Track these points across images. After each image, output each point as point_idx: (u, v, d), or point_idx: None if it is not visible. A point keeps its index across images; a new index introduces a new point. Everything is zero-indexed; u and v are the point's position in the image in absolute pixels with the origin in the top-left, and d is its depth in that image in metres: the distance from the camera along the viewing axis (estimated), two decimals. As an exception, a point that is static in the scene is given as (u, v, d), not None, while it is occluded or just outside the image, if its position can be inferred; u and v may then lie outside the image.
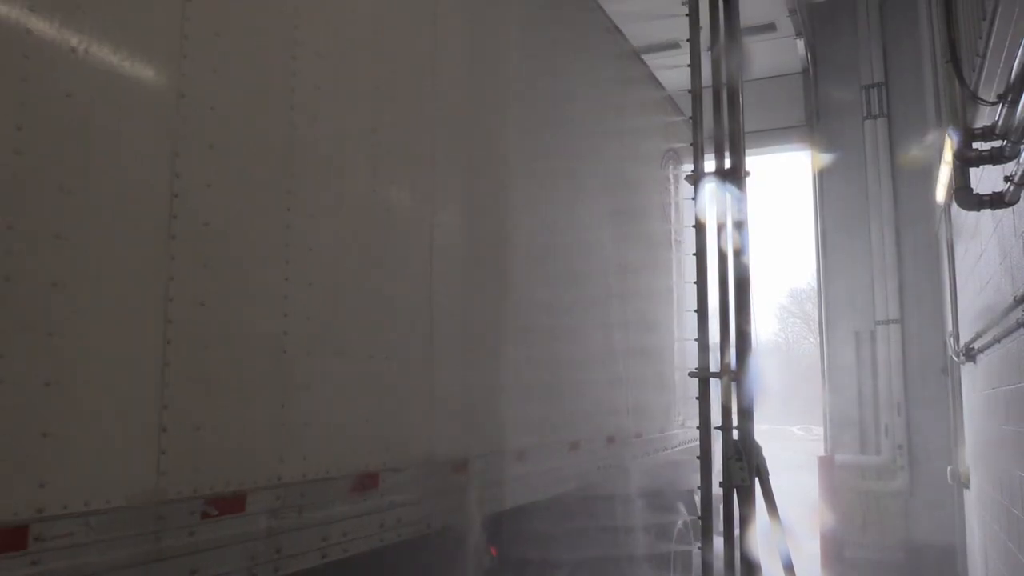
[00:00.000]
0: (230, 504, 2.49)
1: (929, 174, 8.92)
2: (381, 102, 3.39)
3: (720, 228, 4.09)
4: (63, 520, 2.00)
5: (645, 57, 7.93)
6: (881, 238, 9.99)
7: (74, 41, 2.15)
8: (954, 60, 3.66)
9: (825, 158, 10.52)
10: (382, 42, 3.43)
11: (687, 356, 6.42)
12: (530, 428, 4.43)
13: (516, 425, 4.22)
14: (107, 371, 2.18)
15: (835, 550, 9.56)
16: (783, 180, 51.67)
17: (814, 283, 12.61)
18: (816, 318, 11.11)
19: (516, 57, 4.64)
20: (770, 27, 10.08)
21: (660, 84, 7.85)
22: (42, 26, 2.07)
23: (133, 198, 2.31)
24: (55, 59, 2.10)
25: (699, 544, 3.93)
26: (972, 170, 3.98)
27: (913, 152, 9.39)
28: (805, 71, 10.76)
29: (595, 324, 5.56)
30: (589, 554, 4.90)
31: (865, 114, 10.27)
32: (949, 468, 8.29)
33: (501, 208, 4.42)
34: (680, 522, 6.55)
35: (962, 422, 7.86)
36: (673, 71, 9.29)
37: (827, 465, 9.86)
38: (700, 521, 3.97)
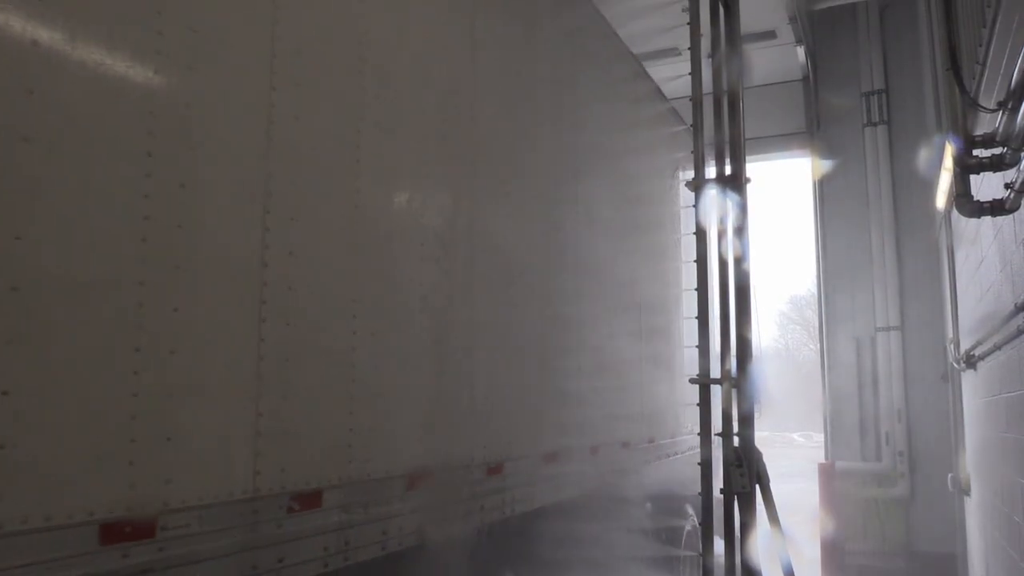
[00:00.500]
0: (309, 500, 2.82)
1: (929, 181, 8.93)
2: (430, 127, 3.78)
3: (721, 235, 4.10)
4: (183, 513, 2.34)
5: (645, 64, 7.97)
6: (881, 245, 10.00)
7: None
8: (954, 67, 3.67)
9: (825, 165, 10.54)
10: (430, 72, 3.78)
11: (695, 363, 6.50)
12: (559, 432, 4.79)
13: (547, 429, 4.64)
14: (219, 385, 2.52)
15: (835, 557, 9.54)
16: (783, 187, 51.71)
17: (814, 290, 12.62)
18: (816, 324, 11.11)
19: (544, 84, 5.04)
20: (770, 34, 10.10)
21: (665, 99, 7.96)
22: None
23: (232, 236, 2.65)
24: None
25: (700, 550, 3.93)
26: (972, 177, 3.99)
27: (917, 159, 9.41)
28: (805, 78, 10.78)
29: (611, 333, 5.82)
30: (606, 554, 5.15)
31: (865, 121, 10.29)
32: (950, 475, 8.28)
33: (535, 226, 4.81)
34: (689, 526, 6.60)
35: (963, 429, 7.86)
36: (673, 77, 9.36)
37: (827, 472, 9.85)
38: (701, 527, 3.97)
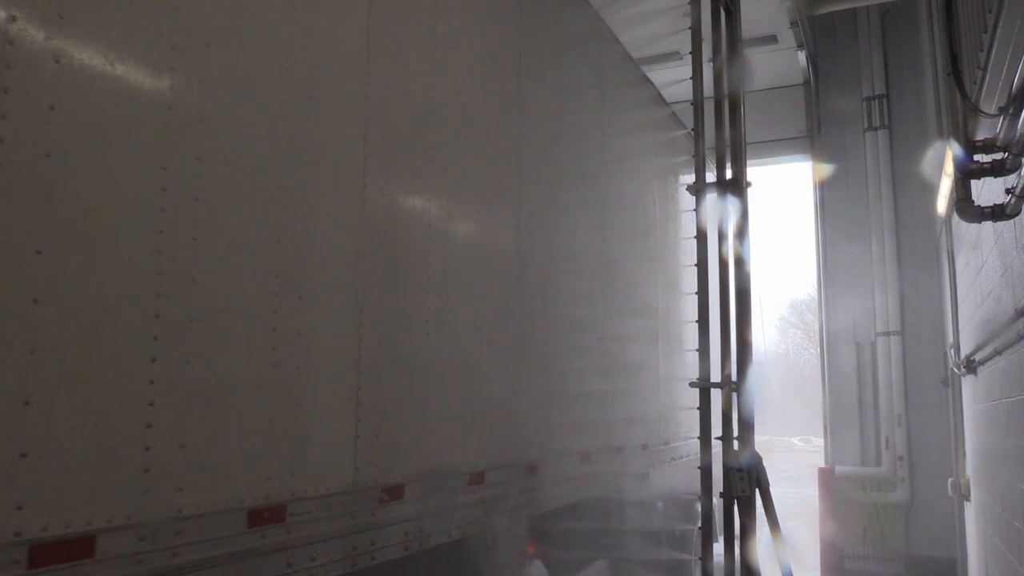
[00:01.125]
0: (395, 492, 3.27)
1: (930, 186, 8.94)
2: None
3: (722, 239, 4.10)
4: (305, 501, 2.79)
5: (646, 68, 8.00)
6: (882, 249, 10.00)
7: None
8: (956, 73, 3.67)
9: (826, 169, 10.54)
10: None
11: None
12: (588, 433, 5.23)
13: (577, 431, 5.08)
14: (330, 398, 3.01)
15: (835, 561, 9.54)
16: (784, 191, 51.73)
17: (814, 294, 12.62)
18: (816, 329, 11.11)
19: (576, 107, 5.54)
20: (771, 39, 10.11)
21: (666, 103, 8.03)
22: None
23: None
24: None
25: (699, 555, 3.93)
26: (973, 182, 3.99)
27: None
28: (806, 83, 10.79)
29: (631, 338, 6.25)
30: (622, 554, 5.74)
31: (866, 126, 10.30)
32: (950, 480, 8.28)
33: (572, 239, 5.29)
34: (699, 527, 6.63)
35: (963, 434, 7.85)
36: (674, 81, 9.36)
37: (827, 476, 9.85)
38: (700, 531, 3.96)
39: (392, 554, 3.19)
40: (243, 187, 2.68)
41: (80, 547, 2.03)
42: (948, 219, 7.74)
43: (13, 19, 2.00)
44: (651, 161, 7.59)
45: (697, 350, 4.11)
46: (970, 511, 7.49)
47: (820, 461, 10.67)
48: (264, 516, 2.60)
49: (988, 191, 4.39)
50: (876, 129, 10.20)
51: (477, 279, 4.06)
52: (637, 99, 7.35)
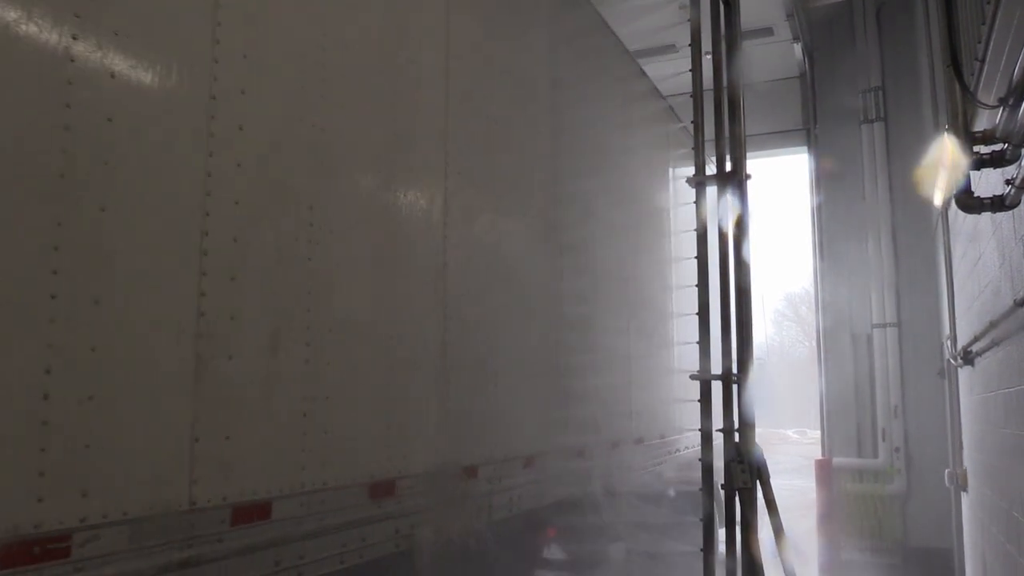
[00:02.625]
0: (472, 472, 3.86)
1: (926, 176, 8.94)
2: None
3: (722, 231, 4.10)
4: (408, 479, 3.34)
5: (642, 61, 8.00)
6: (878, 241, 10.02)
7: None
8: (955, 64, 3.68)
9: (823, 162, 10.55)
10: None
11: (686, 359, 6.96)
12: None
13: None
14: (424, 392, 3.53)
15: (832, 552, 9.57)
16: (779, 184, 51.76)
17: (809, 287, 12.65)
18: (811, 322, 11.14)
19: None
20: (768, 31, 10.10)
21: (662, 97, 8.08)
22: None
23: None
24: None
25: (702, 547, 3.94)
26: (972, 173, 4.00)
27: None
28: (803, 75, 10.80)
29: (642, 337, 6.63)
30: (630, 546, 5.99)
31: (863, 118, 10.30)
32: (947, 471, 8.31)
33: (585, 244, 5.63)
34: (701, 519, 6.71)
35: (959, 425, 7.88)
36: (670, 75, 9.35)
37: (824, 468, 9.88)
38: (702, 523, 3.97)
39: (465, 527, 3.76)
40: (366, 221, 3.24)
41: (261, 511, 2.60)
42: (945, 211, 7.75)
43: (75, 38, 2.08)
44: (647, 154, 7.60)
45: (697, 343, 4.11)
46: (967, 502, 7.52)
47: (815, 453, 10.70)
48: (380, 489, 3.17)
49: (986, 182, 4.40)
50: (872, 121, 10.21)
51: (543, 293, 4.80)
52: (633, 92, 7.36)
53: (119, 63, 2.21)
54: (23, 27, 1.99)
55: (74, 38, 2.08)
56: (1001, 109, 3.54)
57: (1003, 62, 3.94)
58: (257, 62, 2.71)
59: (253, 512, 2.58)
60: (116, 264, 2.18)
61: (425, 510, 3.40)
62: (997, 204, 3.77)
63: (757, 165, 12.05)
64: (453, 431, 3.69)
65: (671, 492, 6.58)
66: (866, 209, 10.13)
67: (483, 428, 4.01)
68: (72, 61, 2.08)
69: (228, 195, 2.55)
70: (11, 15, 1.96)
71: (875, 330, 9.95)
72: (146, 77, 2.29)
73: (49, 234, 2.00)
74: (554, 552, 4.97)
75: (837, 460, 9.92)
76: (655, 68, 9.00)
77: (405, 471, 3.32)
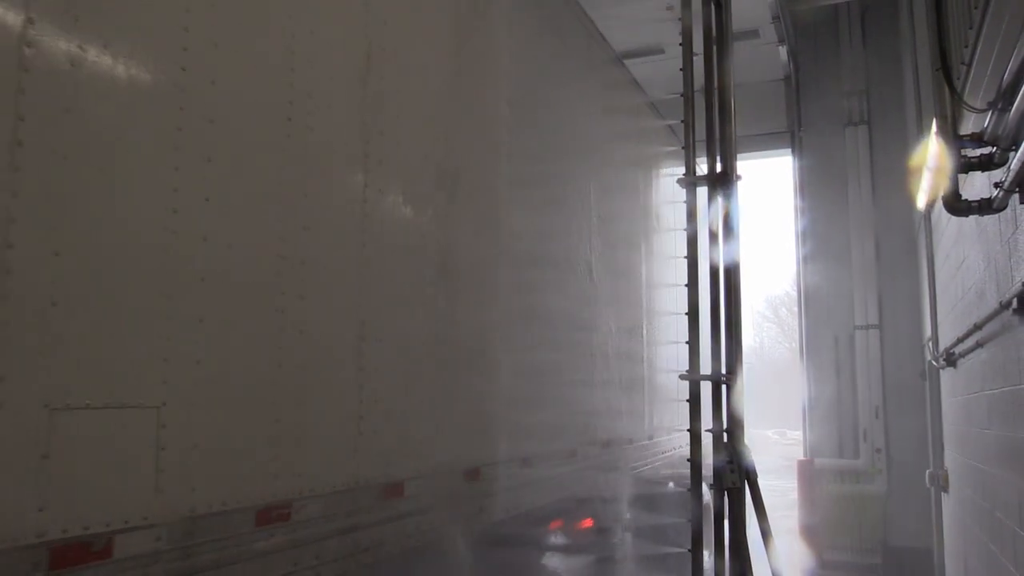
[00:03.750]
0: (527, 463, 4.60)
1: (908, 180, 9.03)
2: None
3: (712, 232, 4.10)
4: (490, 467, 4.09)
5: (628, 62, 8.04)
6: (861, 244, 10.10)
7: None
8: (944, 68, 3.70)
9: (807, 164, 10.62)
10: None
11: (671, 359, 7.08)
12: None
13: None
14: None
15: (814, 552, 9.64)
16: (760, 186, 52.11)
17: (789, 290, 12.73)
18: (791, 324, 11.23)
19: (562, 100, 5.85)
20: (753, 33, 10.15)
21: (645, 94, 8.18)
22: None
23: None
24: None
25: (690, 547, 3.94)
26: (959, 176, 4.03)
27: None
28: (788, 78, 10.86)
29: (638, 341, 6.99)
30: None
31: (846, 121, 10.39)
32: (927, 472, 8.38)
33: (583, 249, 5.93)
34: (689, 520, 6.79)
35: (940, 426, 7.95)
36: (655, 75, 9.39)
37: (806, 468, 9.95)
38: (691, 523, 3.97)
39: (522, 509, 4.41)
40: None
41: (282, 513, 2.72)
42: (927, 214, 7.82)
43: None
44: (631, 153, 7.63)
45: (687, 343, 4.12)
46: (948, 502, 7.59)
47: (795, 454, 10.78)
48: (467, 475, 3.86)
49: (971, 186, 4.44)
50: (856, 124, 10.30)
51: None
52: (621, 93, 7.39)
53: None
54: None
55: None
56: (990, 113, 3.57)
57: (991, 66, 3.97)
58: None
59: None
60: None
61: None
62: (985, 207, 3.80)
63: (742, 167, 12.07)
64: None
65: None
66: (849, 212, 10.21)
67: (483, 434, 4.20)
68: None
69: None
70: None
71: (857, 332, 10.03)
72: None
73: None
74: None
75: (819, 461, 9.99)
76: (642, 69, 9.02)
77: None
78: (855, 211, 10.18)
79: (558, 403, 5.40)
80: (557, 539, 5.36)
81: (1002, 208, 3.74)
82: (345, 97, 3.26)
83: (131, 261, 2.25)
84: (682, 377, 4.06)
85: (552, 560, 5.23)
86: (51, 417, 1.98)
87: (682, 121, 4.25)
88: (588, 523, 5.72)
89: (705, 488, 4.02)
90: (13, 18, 1.99)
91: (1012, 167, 3.33)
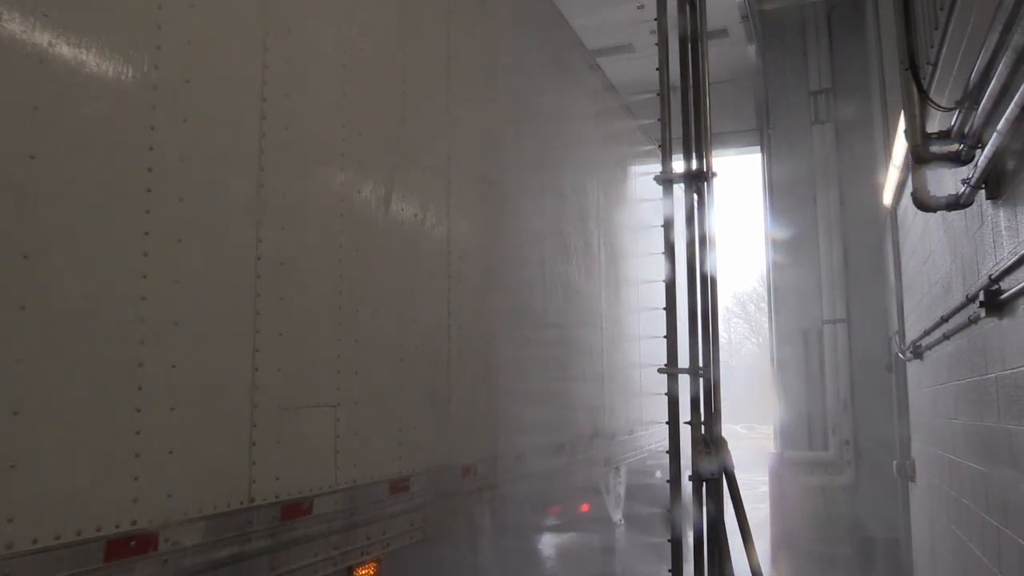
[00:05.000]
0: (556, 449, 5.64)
1: (875, 178, 9.20)
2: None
3: (689, 228, 4.18)
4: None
5: (599, 60, 8.14)
6: (828, 240, 10.28)
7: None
8: (912, 68, 3.80)
9: (775, 161, 10.78)
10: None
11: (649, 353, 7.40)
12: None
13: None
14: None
15: (784, 542, 9.80)
16: (729, 183, 52.61)
17: (757, 286, 12.90)
18: (759, 320, 11.40)
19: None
20: (723, 32, 10.29)
21: (619, 95, 8.34)
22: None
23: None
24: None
25: (669, 537, 4.01)
26: (927, 173, 4.14)
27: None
28: (756, 76, 11.00)
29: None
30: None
31: (813, 119, 10.55)
32: (895, 462, 8.56)
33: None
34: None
35: (907, 417, 8.12)
36: (627, 73, 9.48)
37: (777, 461, 10.11)
38: (669, 512, 4.04)
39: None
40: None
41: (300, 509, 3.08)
42: (894, 210, 7.98)
43: None
44: (602, 152, 7.73)
45: (665, 337, 4.18)
46: (916, 492, 7.76)
47: (764, 448, 10.93)
48: (461, 471, 4.28)
49: (938, 182, 4.56)
50: (823, 123, 10.47)
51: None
52: (594, 93, 7.49)
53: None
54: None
55: None
56: (957, 111, 3.68)
57: (957, 66, 4.09)
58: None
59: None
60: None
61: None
62: (952, 203, 3.92)
63: (714, 165, 12.21)
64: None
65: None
66: (817, 208, 10.38)
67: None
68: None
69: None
70: None
71: (826, 326, 10.20)
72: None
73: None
74: None
75: (788, 453, 10.15)
76: (613, 67, 9.11)
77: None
78: (823, 208, 10.35)
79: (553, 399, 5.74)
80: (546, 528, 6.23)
81: (969, 204, 3.86)
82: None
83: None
84: (660, 370, 4.13)
85: (542, 547, 6.03)
86: (282, 414, 3.02)
87: (658, 120, 4.31)
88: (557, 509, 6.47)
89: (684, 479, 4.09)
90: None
91: (979, 164, 3.44)
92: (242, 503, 2.79)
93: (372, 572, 3.55)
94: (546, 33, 6.32)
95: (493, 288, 5.00)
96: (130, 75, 2.39)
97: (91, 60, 2.28)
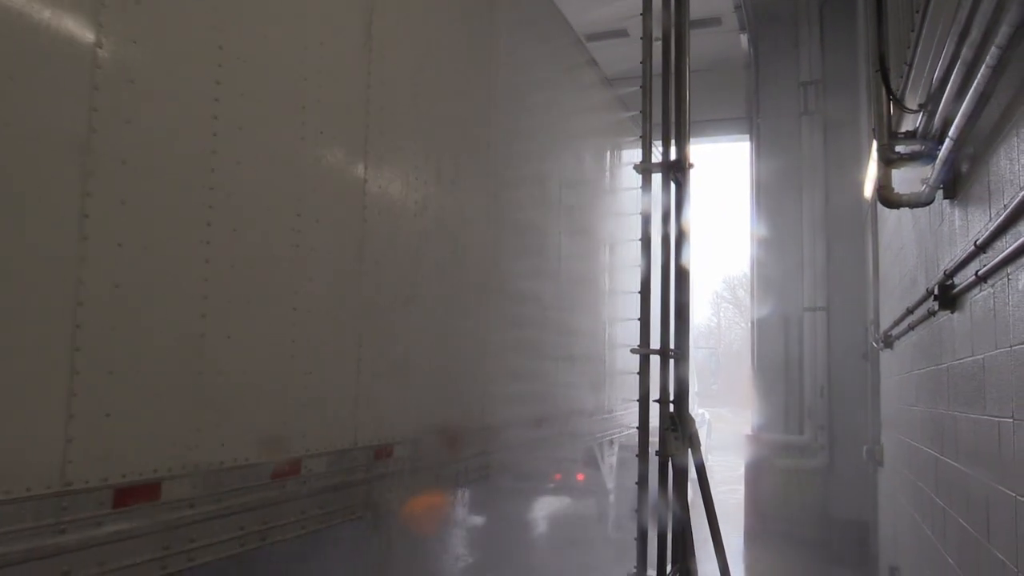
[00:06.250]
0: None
1: (859, 169, 9.38)
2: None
3: (665, 217, 4.37)
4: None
5: (591, 44, 8.32)
6: (812, 229, 10.46)
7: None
8: (883, 70, 3.98)
9: (763, 150, 10.94)
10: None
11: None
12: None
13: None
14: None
15: (758, 524, 10.07)
16: (724, 169, 52.72)
17: (747, 270, 13.11)
18: (748, 304, 11.57)
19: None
20: (716, 21, 10.43)
21: (608, 84, 8.49)
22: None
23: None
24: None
25: (636, 508, 4.24)
26: (894, 171, 4.33)
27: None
28: (747, 65, 11.14)
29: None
30: None
31: (802, 110, 10.70)
32: (865, 447, 8.81)
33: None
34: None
35: (879, 404, 8.37)
36: (618, 58, 9.60)
37: (753, 444, 10.37)
38: (637, 486, 4.27)
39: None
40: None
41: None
42: (874, 202, 8.17)
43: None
44: (592, 139, 7.92)
45: (639, 319, 4.39)
46: (883, 476, 8.03)
47: (742, 430, 11.18)
48: (444, 438, 4.41)
49: (904, 180, 4.76)
50: (811, 114, 10.61)
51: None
52: (584, 83, 7.67)
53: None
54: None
55: None
56: (921, 114, 3.87)
57: (927, 68, 4.27)
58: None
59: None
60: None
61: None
62: (914, 201, 4.11)
63: (703, 151, 12.39)
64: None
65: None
66: (802, 198, 10.55)
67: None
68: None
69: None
70: None
71: (806, 314, 10.42)
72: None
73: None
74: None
75: (764, 436, 10.40)
76: (604, 52, 9.24)
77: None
78: (808, 198, 10.52)
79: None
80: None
81: (929, 202, 4.05)
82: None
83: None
84: (633, 351, 4.34)
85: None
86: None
87: (640, 112, 4.49)
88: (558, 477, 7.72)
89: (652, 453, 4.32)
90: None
91: (936, 165, 3.64)
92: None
93: None
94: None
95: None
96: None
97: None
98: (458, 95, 4.94)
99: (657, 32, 4.60)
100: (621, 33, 10.39)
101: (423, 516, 4.35)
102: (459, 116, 4.93)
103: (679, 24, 4.53)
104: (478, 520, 6.69)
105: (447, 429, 4.54)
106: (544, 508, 7.94)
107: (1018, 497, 2.59)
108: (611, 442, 8.64)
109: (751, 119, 11.11)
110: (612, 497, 8.52)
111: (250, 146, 3.08)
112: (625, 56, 9.49)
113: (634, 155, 6.95)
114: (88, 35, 2.39)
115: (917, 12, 4.82)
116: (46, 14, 2.25)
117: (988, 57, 2.53)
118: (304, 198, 3.40)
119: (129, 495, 2.55)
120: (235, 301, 3.02)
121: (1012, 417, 2.63)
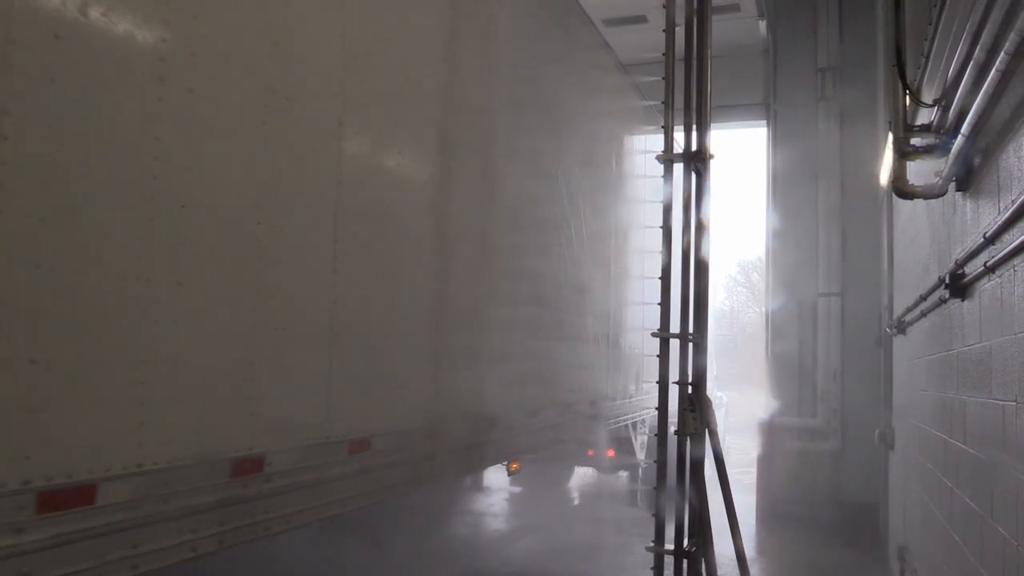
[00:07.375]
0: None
1: (875, 157, 9.45)
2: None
3: (686, 205, 4.52)
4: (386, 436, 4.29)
5: (611, 29, 8.49)
6: (828, 215, 10.53)
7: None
8: (899, 65, 4.10)
9: (780, 136, 11.01)
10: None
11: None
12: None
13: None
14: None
15: (770, 505, 10.25)
16: (741, 154, 52.54)
17: (762, 255, 13.20)
18: (762, 289, 11.68)
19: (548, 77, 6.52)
20: (735, 7, 10.47)
21: (625, 71, 8.93)
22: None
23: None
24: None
25: (655, 485, 4.42)
26: (909, 163, 4.46)
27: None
28: (765, 51, 11.19)
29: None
30: None
31: (819, 96, 10.74)
32: (876, 431, 8.95)
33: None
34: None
35: (891, 389, 8.51)
36: (637, 44, 9.70)
37: (767, 427, 10.52)
38: (656, 464, 4.45)
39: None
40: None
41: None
42: (889, 190, 8.26)
43: None
44: (608, 126, 8.09)
45: (659, 304, 4.55)
46: (894, 459, 8.18)
47: (757, 414, 11.33)
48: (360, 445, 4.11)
49: (919, 171, 4.88)
50: (828, 100, 10.65)
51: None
52: (602, 72, 7.87)
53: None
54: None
55: None
56: (936, 108, 3.99)
57: (942, 64, 4.38)
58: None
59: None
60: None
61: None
62: (928, 192, 4.24)
63: (720, 136, 12.47)
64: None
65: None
66: (818, 184, 10.62)
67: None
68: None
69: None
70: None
71: (820, 299, 10.52)
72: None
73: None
74: None
75: (778, 419, 10.54)
76: (623, 37, 9.35)
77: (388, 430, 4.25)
78: (824, 184, 10.58)
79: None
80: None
81: (942, 194, 4.19)
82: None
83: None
84: (654, 334, 4.51)
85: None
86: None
87: (663, 102, 4.62)
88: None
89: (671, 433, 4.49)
90: None
91: (949, 159, 3.77)
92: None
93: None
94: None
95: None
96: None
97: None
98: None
99: (679, 20, 4.71)
100: (640, 19, 10.48)
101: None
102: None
103: (701, 12, 4.64)
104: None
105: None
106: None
107: (1020, 476, 2.75)
108: (643, 422, 10.15)
109: (768, 105, 11.16)
110: (641, 471, 10.39)
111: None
112: (642, 43, 9.65)
113: (646, 142, 7.28)
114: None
115: (934, 6, 4.93)
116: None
117: (998, 62, 2.66)
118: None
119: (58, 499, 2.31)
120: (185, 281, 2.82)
121: (1015, 400, 2.79)
